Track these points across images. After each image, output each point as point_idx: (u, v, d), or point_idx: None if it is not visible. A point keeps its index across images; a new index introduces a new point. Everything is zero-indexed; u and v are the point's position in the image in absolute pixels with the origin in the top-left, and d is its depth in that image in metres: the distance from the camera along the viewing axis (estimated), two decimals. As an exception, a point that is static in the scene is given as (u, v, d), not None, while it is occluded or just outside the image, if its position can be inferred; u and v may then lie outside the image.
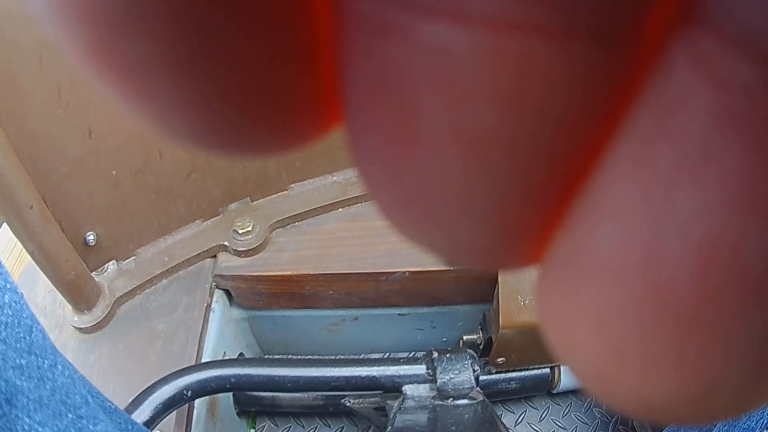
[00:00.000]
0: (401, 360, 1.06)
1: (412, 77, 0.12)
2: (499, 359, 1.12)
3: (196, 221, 1.13)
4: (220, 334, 1.12)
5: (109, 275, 1.08)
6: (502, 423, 0.95)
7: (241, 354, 1.20)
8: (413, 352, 1.30)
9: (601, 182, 0.13)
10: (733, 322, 0.12)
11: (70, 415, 0.60)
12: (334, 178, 1.22)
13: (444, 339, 1.28)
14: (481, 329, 1.19)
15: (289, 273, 1.11)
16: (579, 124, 0.12)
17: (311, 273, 1.11)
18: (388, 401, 1.04)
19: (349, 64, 0.13)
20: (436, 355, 1.05)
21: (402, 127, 0.13)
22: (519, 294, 1.06)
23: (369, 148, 0.14)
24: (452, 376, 1.03)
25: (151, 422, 0.91)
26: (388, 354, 1.31)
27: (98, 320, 1.03)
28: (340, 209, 1.20)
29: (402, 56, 0.12)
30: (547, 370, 1.18)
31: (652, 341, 0.13)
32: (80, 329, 1.03)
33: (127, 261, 1.09)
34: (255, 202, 1.17)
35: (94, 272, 1.05)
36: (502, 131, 0.12)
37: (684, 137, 0.12)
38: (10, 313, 0.57)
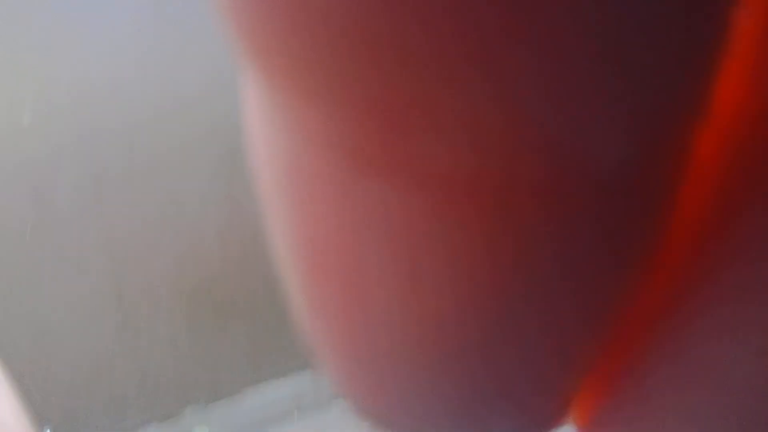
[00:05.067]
0: None
1: (352, 248, 0.09)
2: None
3: (152, 424, 1.10)
4: None
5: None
6: None
7: None
8: None
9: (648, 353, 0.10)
10: None
11: None
12: (289, 383, 1.21)
13: None
14: None
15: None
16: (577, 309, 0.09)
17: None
18: None
19: None
20: None
21: (353, 309, 0.10)
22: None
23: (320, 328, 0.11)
24: None
25: None
26: None
27: None
28: (295, 413, 1.18)
29: (337, 216, 0.09)
30: None
31: None
32: None
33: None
34: (209, 406, 1.15)
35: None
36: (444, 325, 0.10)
37: None
38: None
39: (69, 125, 1.14)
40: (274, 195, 0.10)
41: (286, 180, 0.09)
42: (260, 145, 0.09)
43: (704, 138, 0.08)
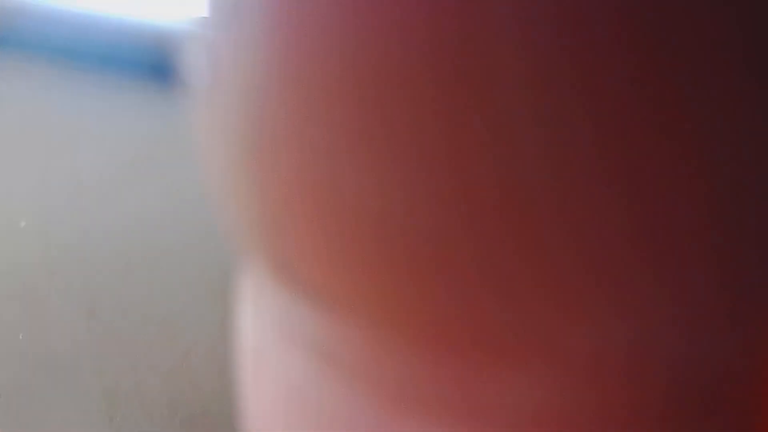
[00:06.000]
0: None
1: None
2: None
3: None
4: None
5: None
6: None
7: None
8: None
9: None
10: None
11: None
12: None
13: None
14: None
15: None
16: None
17: None
18: None
19: None
20: None
21: None
22: None
23: None
24: None
25: None
26: None
27: None
28: None
29: None
30: None
31: None
32: None
33: None
34: None
35: None
36: None
37: None
38: None
39: (64, 232, 1.14)
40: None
41: (300, 416, 0.07)
42: (264, 371, 0.08)
43: None
